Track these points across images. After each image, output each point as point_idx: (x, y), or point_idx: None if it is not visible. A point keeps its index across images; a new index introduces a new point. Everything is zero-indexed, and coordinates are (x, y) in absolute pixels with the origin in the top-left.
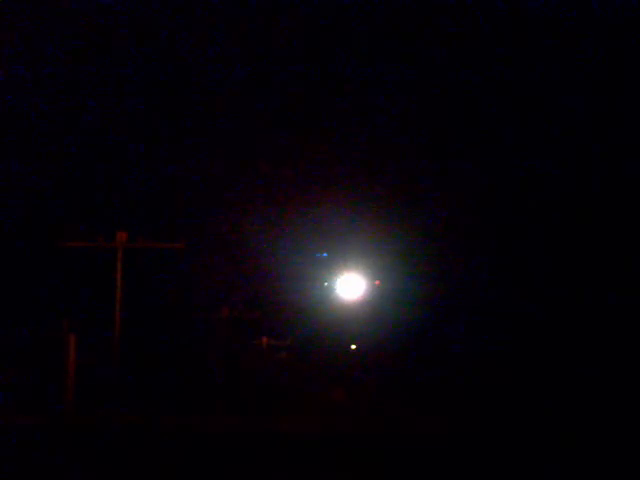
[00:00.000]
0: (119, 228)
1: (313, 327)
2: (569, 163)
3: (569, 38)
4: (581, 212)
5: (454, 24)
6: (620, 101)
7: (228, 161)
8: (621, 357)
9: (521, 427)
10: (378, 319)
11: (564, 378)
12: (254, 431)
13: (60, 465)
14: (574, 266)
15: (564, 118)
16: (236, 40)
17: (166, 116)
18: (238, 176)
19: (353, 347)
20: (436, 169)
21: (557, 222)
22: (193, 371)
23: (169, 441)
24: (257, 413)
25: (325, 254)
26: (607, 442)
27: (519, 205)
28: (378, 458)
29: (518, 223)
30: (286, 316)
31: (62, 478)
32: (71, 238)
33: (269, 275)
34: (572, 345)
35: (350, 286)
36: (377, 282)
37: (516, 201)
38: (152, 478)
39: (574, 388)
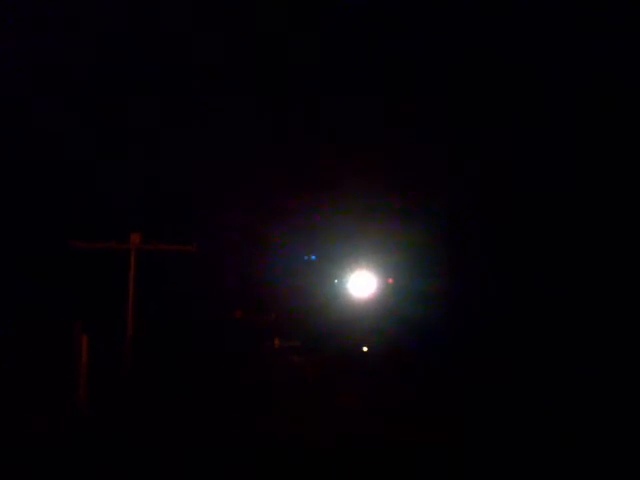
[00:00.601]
0: (132, 229)
1: (324, 327)
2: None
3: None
4: (585, 212)
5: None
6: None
7: (239, 162)
8: (621, 357)
9: (522, 428)
10: (390, 318)
11: (564, 378)
12: (262, 431)
13: (71, 467)
14: (583, 265)
15: (563, 118)
16: (246, 45)
17: (179, 117)
18: (250, 176)
19: (365, 349)
20: (450, 164)
21: (564, 221)
22: (205, 373)
23: (177, 441)
24: (265, 414)
25: (314, 257)
26: (607, 444)
27: (534, 202)
28: (385, 460)
29: (531, 221)
30: (297, 317)
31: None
32: (84, 239)
33: (281, 275)
34: (573, 345)
35: (362, 284)
36: (390, 280)
37: (531, 198)
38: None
39: (574, 388)
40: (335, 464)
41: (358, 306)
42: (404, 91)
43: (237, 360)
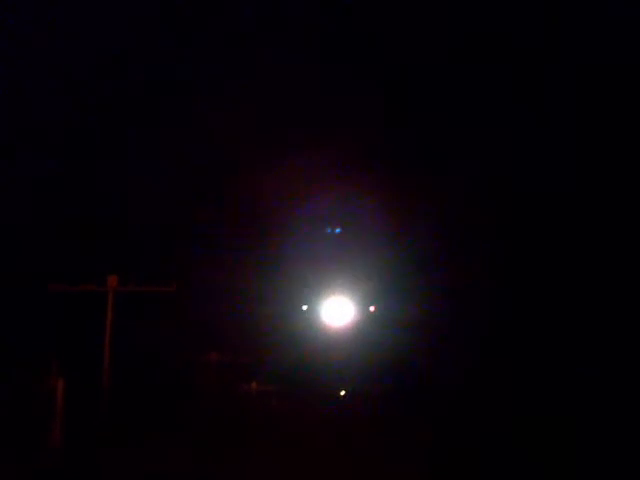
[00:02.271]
0: (110, 271)
1: (298, 368)
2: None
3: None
4: (584, 212)
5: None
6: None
7: (212, 199)
8: (621, 357)
9: (522, 430)
10: (371, 351)
11: (564, 378)
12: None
13: None
14: (583, 266)
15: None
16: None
17: (157, 152)
18: (225, 213)
19: (342, 393)
20: (440, 180)
21: (563, 222)
22: (180, 417)
23: None
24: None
25: (338, 230)
26: (607, 444)
27: (523, 222)
28: None
29: (527, 227)
30: (273, 357)
31: None
32: (61, 282)
33: (258, 315)
34: (573, 345)
35: (337, 311)
36: (372, 308)
37: (520, 218)
38: None
39: (574, 388)
40: None
41: (333, 339)
42: (398, 93)
43: (215, 403)
